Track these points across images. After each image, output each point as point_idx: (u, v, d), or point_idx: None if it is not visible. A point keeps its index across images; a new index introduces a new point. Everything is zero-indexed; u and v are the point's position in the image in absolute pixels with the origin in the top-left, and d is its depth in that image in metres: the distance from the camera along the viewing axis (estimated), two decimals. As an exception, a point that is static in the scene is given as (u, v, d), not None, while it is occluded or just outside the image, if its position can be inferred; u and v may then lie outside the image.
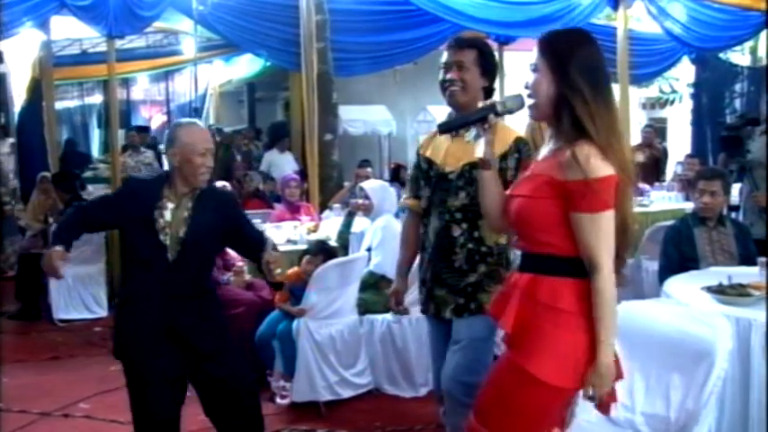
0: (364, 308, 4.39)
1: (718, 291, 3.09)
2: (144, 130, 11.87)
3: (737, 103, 11.27)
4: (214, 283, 4.32)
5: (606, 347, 1.91)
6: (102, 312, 6.40)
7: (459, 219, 2.73)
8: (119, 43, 7.35)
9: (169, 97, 14.78)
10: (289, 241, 5.18)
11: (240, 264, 4.85)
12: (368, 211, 4.62)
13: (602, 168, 1.89)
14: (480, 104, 2.06)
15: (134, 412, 2.78)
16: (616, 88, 7.62)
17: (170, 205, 2.74)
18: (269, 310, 4.45)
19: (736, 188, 6.28)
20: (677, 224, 4.20)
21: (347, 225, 4.97)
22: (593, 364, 1.92)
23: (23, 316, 6.41)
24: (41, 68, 8.21)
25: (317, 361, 4.10)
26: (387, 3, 7.98)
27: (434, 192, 2.80)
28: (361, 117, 11.67)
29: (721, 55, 10.83)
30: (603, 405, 2.05)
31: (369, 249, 4.47)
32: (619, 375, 2.03)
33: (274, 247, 2.87)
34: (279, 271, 3.07)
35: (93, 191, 8.29)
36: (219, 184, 5.09)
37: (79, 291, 6.40)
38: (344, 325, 4.25)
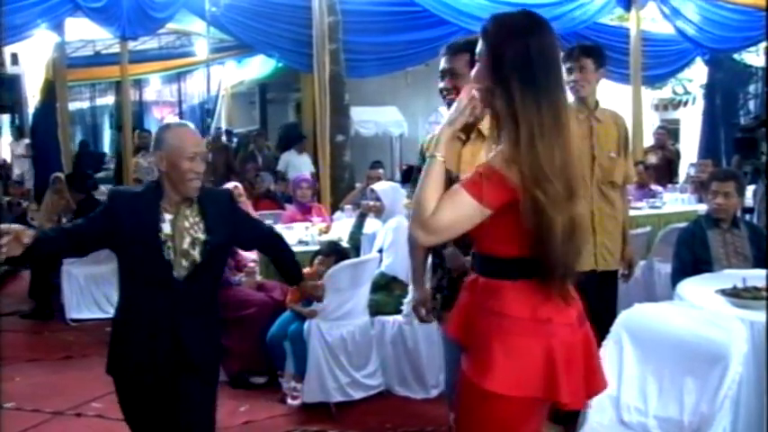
0: (375, 309, 4.39)
1: (733, 293, 3.06)
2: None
3: (751, 105, 11.19)
4: (226, 283, 4.36)
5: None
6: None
7: None
8: (131, 45, 7.40)
9: (181, 98, 14.84)
10: (300, 242, 5.18)
11: (252, 264, 4.85)
12: (379, 212, 4.62)
13: (496, 165, 1.73)
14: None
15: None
16: (628, 89, 7.64)
17: (167, 216, 2.49)
18: (280, 311, 4.46)
19: (750, 190, 6.24)
20: (690, 226, 4.17)
21: (359, 226, 4.97)
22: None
23: (36, 315, 6.45)
24: (55, 70, 8.28)
25: (328, 362, 4.10)
26: (399, 4, 7.99)
27: None
28: (373, 118, 11.68)
29: (735, 56, 10.75)
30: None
31: (380, 251, 4.47)
32: (599, 386, 1.91)
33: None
34: (321, 294, 3.06)
35: (106, 191, 8.33)
36: (231, 184, 5.10)
37: (92, 290, 6.43)
38: (356, 326, 4.25)
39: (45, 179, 7.80)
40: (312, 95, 7.51)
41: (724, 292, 3.08)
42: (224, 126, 12.55)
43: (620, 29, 8.06)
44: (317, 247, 4.75)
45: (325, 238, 5.23)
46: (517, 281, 1.81)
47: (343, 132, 7.71)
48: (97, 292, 6.46)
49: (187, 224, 2.51)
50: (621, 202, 3.71)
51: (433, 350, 4.20)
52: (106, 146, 15.57)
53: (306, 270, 4.46)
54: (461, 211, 1.74)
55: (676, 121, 13.73)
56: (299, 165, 9.22)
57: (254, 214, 5.34)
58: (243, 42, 8.61)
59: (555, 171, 1.71)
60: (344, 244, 4.85)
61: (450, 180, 2.74)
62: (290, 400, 4.23)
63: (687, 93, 13.15)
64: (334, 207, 6.89)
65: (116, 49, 8.32)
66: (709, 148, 10.82)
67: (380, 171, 7.03)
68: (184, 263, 2.48)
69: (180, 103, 14.94)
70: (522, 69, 1.72)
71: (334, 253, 4.40)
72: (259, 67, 12.23)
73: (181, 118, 14.51)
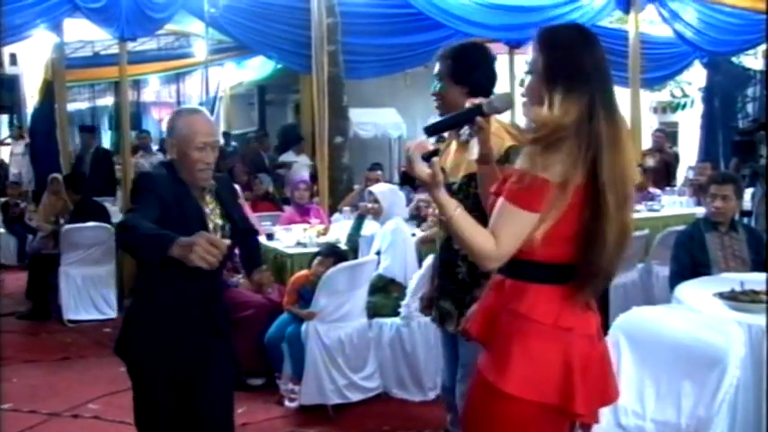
0: (373, 311, 4.39)
1: (731, 297, 3.06)
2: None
3: (750, 108, 11.20)
4: (224, 284, 4.35)
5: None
6: (112, 313, 6.41)
7: None
8: (130, 45, 7.38)
9: (180, 99, 14.84)
10: (298, 244, 5.18)
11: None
12: (377, 214, 4.62)
13: (540, 168, 1.74)
14: (468, 105, 2.00)
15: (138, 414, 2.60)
16: (627, 92, 7.65)
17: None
18: (278, 313, 4.46)
19: (748, 193, 6.25)
20: (689, 229, 4.17)
21: (357, 228, 4.97)
22: None
23: (34, 316, 6.43)
24: (54, 70, 8.27)
25: (326, 364, 4.10)
26: (398, 6, 7.97)
27: None
28: (372, 120, 11.68)
29: (734, 59, 10.75)
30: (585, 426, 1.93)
31: (378, 253, 4.47)
32: (610, 398, 1.93)
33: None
34: (270, 290, 3.08)
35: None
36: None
37: (89, 291, 6.42)
38: (353, 328, 4.24)
39: (44, 180, 7.79)
40: (311, 97, 7.50)
41: (722, 296, 3.09)
42: (222, 127, 12.54)
43: (619, 31, 8.05)
44: (315, 249, 4.75)
45: (324, 239, 5.24)
46: (545, 285, 1.83)
47: (341, 134, 7.70)
48: (95, 293, 6.45)
49: (207, 210, 2.51)
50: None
51: (431, 353, 4.20)
52: (105, 146, 15.54)
53: (304, 271, 4.48)
54: (518, 227, 1.77)
55: (675, 124, 13.73)
56: (297, 166, 9.23)
57: (253, 215, 5.36)
58: (242, 43, 8.60)
59: (616, 179, 1.77)
60: (342, 246, 4.85)
61: (447, 186, 2.75)
62: (287, 402, 4.22)
63: (686, 95, 13.15)
64: (333, 209, 6.88)
65: (115, 49, 8.30)
66: (707, 151, 10.83)
67: (379, 173, 7.03)
68: None
69: (179, 103, 14.90)
70: (581, 83, 1.78)
71: (332, 255, 4.40)
72: (258, 68, 12.22)
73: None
